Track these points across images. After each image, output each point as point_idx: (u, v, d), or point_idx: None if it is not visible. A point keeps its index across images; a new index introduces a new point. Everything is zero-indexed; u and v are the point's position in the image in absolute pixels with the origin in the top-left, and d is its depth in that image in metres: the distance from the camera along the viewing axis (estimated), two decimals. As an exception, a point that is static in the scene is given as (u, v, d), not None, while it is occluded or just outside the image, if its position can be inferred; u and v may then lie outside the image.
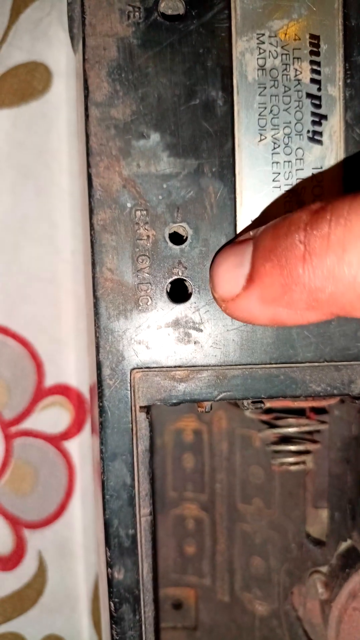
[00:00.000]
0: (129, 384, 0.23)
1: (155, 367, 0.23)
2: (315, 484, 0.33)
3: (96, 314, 0.23)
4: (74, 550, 0.40)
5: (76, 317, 0.38)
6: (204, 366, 0.23)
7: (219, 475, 0.36)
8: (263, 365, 0.23)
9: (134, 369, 0.23)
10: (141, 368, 0.23)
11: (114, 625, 0.24)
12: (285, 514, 0.34)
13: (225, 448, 0.36)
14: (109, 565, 0.24)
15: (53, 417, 0.39)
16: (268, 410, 0.30)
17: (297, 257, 0.18)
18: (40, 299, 0.38)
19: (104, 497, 0.23)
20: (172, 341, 0.23)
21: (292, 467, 0.30)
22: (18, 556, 0.40)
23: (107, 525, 0.24)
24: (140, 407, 0.24)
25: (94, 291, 0.23)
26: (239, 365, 0.23)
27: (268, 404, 0.28)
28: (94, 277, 0.23)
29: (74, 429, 0.39)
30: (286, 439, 0.30)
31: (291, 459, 0.29)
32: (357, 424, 0.29)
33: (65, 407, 0.39)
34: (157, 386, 0.23)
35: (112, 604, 0.24)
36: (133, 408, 0.23)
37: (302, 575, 0.33)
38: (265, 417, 0.30)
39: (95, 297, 0.23)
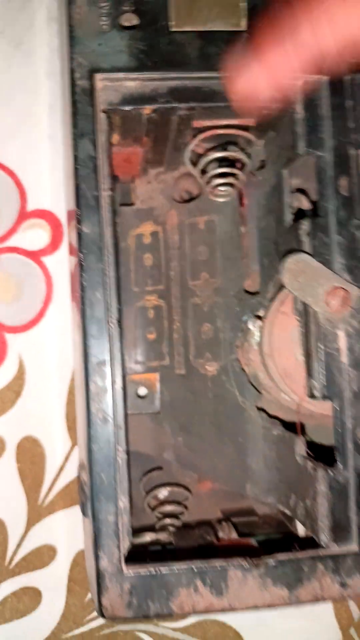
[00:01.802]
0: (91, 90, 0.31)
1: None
2: (248, 245, 0.41)
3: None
4: (51, 355, 0.46)
5: (54, 155, 0.46)
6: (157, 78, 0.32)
7: (172, 263, 0.43)
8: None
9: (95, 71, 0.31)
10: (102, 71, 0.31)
11: (82, 274, 0.31)
12: (226, 277, 0.41)
13: (177, 239, 0.43)
14: (79, 221, 0.31)
15: (34, 236, 0.46)
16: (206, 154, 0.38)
17: None
18: (25, 141, 0.46)
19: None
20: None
21: (223, 193, 0.38)
22: (0, 359, 0.45)
23: (77, 188, 0.31)
24: (102, 111, 0.32)
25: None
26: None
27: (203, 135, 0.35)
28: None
29: (51, 247, 0.46)
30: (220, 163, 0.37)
31: (222, 180, 0.37)
32: (275, 176, 0.37)
33: (44, 229, 0.46)
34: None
35: (81, 255, 0.31)
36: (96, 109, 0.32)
37: (243, 326, 0.40)
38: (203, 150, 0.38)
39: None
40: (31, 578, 0.45)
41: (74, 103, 0.31)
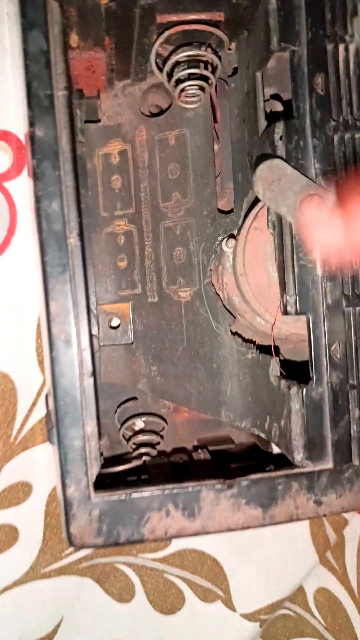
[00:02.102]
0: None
1: None
2: (222, 163, 0.38)
3: None
4: (18, 286, 0.43)
5: (17, 71, 0.43)
6: None
7: (142, 184, 0.41)
8: None
9: None
10: None
11: (36, 182, 0.28)
12: (199, 196, 0.38)
13: (147, 157, 0.40)
14: (31, 124, 0.28)
15: (-6, 159, 0.43)
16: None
17: None
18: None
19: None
20: None
21: (192, 97, 0.35)
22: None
23: (28, 87, 0.28)
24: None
25: None
26: None
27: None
28: None
29: (14, 171, 0.43)
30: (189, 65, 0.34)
31: (191, 82, 0.34)
32: (248, 81, 0.35)
33: (6, 151, 0.43)
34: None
35: (34, 162, 0.28)
36: None
37: (217, 248, 0.38)
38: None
39: None
40: (6, 515, 0.44)
41: (21, -11, 0.28)
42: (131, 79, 0.40)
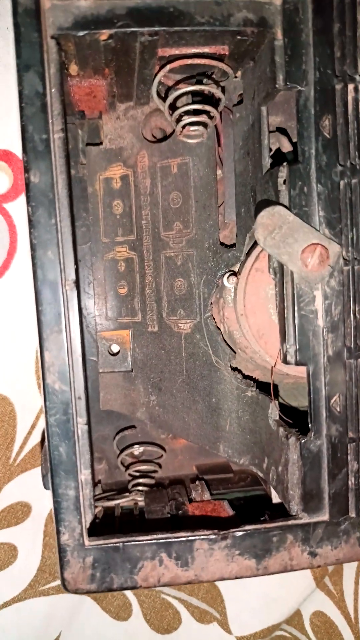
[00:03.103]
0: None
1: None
2: (225, 192, 0.37)
3: None
4: (18, 309, 0.43)
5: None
6: None
7: (144, 211, 0.40)
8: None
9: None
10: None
11: (31, 230, 0.28)
12: (200, 227, 0.37)
13: (149, 184, 0.39)
14: (26, 170, 0.27)
15: (-6, 180, 0.42)
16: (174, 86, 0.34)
17: None
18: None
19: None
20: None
21: (194, 133, 0.34)
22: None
23: (23, 131, 0.27)
24: (51, 37, 0.27)
25: None
26: None
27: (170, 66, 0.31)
28: None
29: (15, 192, 0.42)
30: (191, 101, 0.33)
31: (193, 118, 0.33)
32: (253, 113, 0.33)
33: (6, 172, 0.42)
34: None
35: (29, 209, 0.28)
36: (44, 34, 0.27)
37: (219, 282, 0.37)
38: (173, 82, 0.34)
39: None
40: (6, 534, 0.45)
41: (16, 27, 0.27)
42: (134, 102, 0.38)
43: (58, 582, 0.46)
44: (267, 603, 0.46)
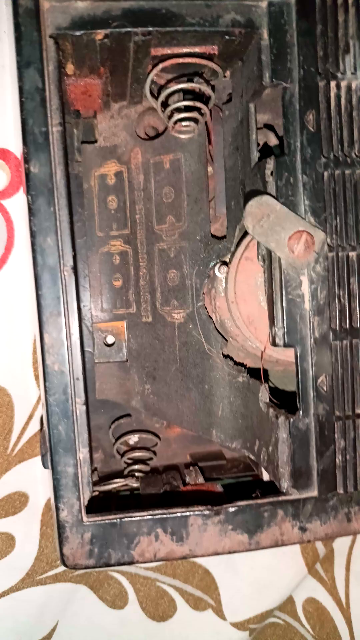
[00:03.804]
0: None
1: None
2: (215, 187, 0.39)
3: None
4: (16, 303, 0.44)
5: (16, 90, 0.43)
6: None
7: (138, 206, 0.41)
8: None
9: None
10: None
11: (31, 218, 0.29)
12: (192, 221, 0.39)
13: (142, 180, 0.41)
14: (26, 161, 0.29)
15: (-8, 177, 0.43)
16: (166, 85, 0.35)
17: None
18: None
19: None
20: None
21: (185, 128, 0.35)
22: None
23: (24, 124, 0.29)
24: (49, 36, 0.29)
25: None
26: None
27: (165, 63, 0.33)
28: None
29: (12, 189, 0.44)
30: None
31: (184, 114, 0.34)
32: (242, 110, 0.35)
33: (4, 169, 0.43)
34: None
35: (29, 198, 0.29)
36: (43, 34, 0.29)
37: (210, 272, 0.39)
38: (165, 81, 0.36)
39: None
40: (4, 524, 0.45)
41: (17, 26, 0.28)
42: (127, 101, 0.40)
43: (55, 571, 0.47)
44: (259, 589, 0.48)
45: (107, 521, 0.31)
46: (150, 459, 0.43)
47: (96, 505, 0.32)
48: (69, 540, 0.30)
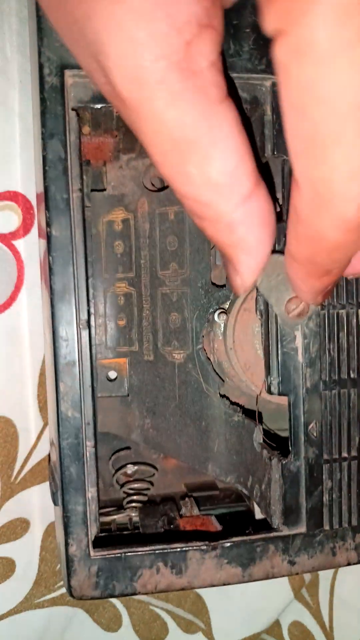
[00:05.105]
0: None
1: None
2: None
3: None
4: (23, 338, 0.47)
5: (25, 135, 0.46)
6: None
7: (143, 252, 0.44)
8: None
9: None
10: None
11: (51, 277, 0.31)
12: (194, 269, 0.42)
13: (148, 228, 0.44)
14: (48, 225, 0.31)
15: (4, 219, 0.46)
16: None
17: None
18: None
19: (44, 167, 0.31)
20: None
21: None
22: (-27, 341, 0.46)
23: (46, 191, 0.31)
24: (72, 109, 0.32)
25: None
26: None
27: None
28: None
29: (23, 231, 0.46)
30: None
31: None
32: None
33: (15, 212, 0.46)
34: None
35: (50, 259, 0.31)
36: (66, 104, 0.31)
37: (210, 317, 0.41)
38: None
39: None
40: (5, 549, 0.47)
41: (43, 101, 0.31)
42: (136, 154, 0.43)
43: (53, 595, 0.49)
44: (249, 614, 0.50)
45: (112, 555, 0.33)
46: (148, 489, 0.45)
47: (100, 537, 0.34)
48: (77, 573, 0.33)
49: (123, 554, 0.33)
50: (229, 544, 0.34)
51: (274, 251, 0.34)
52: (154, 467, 0.46)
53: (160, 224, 0.43)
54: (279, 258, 0.33)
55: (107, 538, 0.34)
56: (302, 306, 0.32)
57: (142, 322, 0.44)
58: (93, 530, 0.33)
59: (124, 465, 0.45)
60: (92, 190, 0.45)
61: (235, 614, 0.50)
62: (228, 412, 0.41)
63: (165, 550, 0.33)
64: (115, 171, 0.44)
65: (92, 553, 0.33)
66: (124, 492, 0.45)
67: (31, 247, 0.46)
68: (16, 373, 0.47)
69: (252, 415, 0.41)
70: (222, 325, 0.41)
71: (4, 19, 0.45)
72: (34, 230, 0.46)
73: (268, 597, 0.50)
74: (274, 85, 0.33)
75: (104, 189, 0.45)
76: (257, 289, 0.35)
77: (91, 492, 0.33)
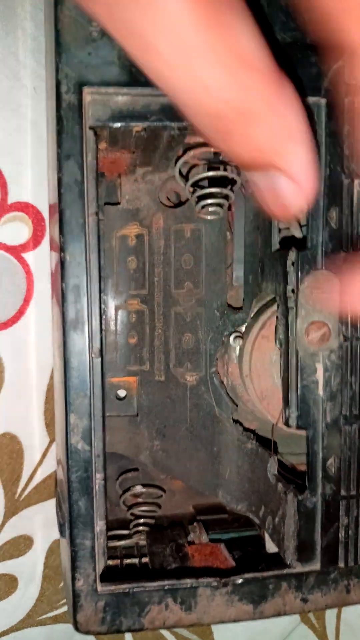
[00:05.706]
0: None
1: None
2: (233, 256, 0.40)
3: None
4: (30, 353, 0.45)
5: (37, 143, 0.44)
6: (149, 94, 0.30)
7: (157, 269, 0.43)
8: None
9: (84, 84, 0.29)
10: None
11: (64, 304, 0.30)
12: (210, 289, 0.40)
13: (162, 244, 0.42)
14: (62, 249, 0.30)
15: (14, 231, 0.44)
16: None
17: None
18: (5, 127, 0.44)
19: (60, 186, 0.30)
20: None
21: (212, 212, 0.37)
22: (-21, 356, 0.45)
23: (61, 214, 0.30)
24: (89, 127, 0.30)
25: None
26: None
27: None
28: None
29: (33, 243, 0.45)
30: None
31: (211, 200, 0.36)
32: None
33: (25, 223, 0.45)
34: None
35: (63, 285, 0.30)
36: (84, 125, 0.30)
37: (225, 340, 0.40)
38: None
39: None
40: (8, 566, 0.47)
41: (59, 120, 0.30)
42: (152, 168, 0.41)
43: (55, 612, 0.48)
44: (253, 635, 0.49)
45: (120, 590, 0.32)
46: (155, 511, 0.44)
47: (107, 569, 0.33)
48: (84, 608, 0.32)
49: (131, 590, 0.32)
50: (240, 581, 0.33)
51: (277, 278, 0.32)
52: (162, 489, 0.45)
53: (176, 241, 0.42)
54: None
55: (115, 570, 0.33)
56: (324, 330, 0.30)
57: (154, 341, 0.43)
58: (101, 565, 0.32)
59: (132, 487, 0.44)
60: (106, 203, 0.43)
61: (239, 636, 0.49)
62: (241, 438, 0.40)
63: (175, 587, 0.32)
64: (130, 184, 0.43)
65: (99, 588, 0.32)
66: (132, 514, 0.44)
67: (41, 260, 0.45)
68: (23, 388, 0.46)
69: (265, 441, 0.40)
70: (238, 349, 0.39)
71: (17, 22, 0.43)
72: (45, 242, 0.45)
73: (274, 619, 0.49)
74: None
75: (118, 203, 0.43)
76: (277, 317, 0.34)
77: (99, 526, 0.32)
